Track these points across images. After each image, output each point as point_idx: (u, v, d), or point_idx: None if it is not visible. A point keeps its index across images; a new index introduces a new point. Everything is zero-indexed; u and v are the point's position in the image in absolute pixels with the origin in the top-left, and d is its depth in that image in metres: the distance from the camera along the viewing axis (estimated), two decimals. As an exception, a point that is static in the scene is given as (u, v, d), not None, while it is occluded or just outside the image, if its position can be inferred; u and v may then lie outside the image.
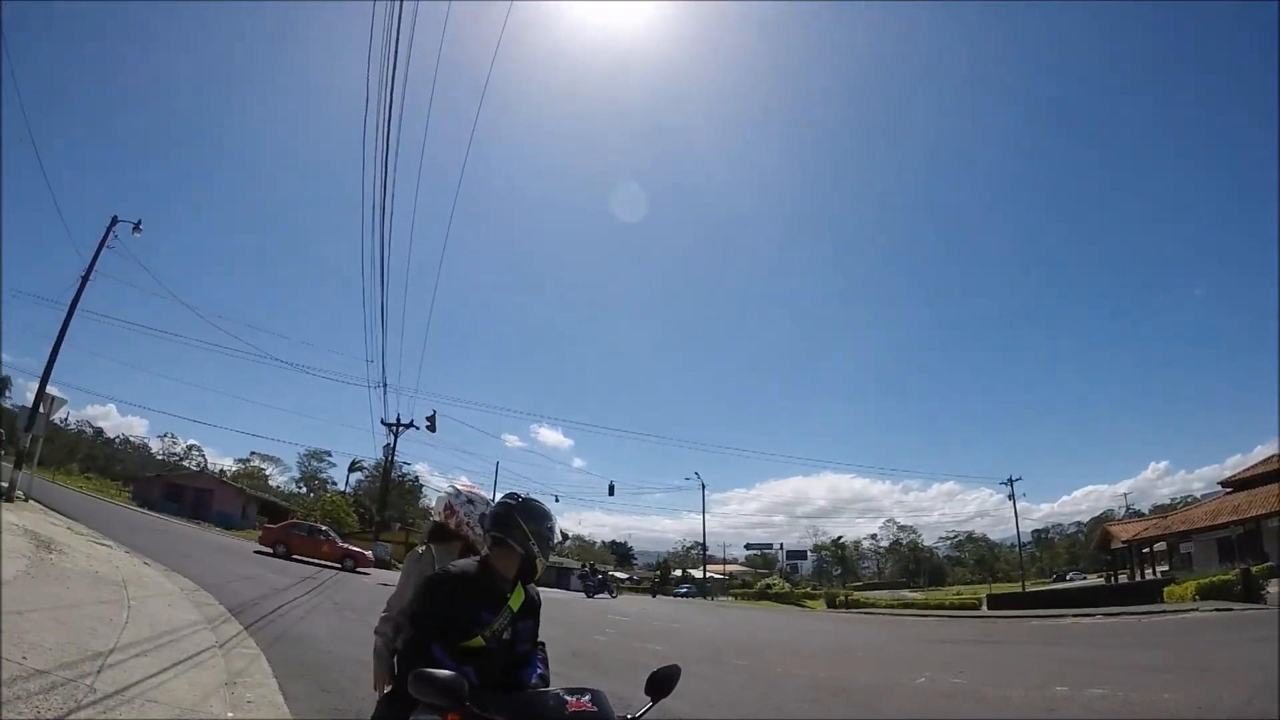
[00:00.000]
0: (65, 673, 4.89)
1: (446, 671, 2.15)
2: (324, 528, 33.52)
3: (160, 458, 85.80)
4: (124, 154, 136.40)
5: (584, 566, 55.80)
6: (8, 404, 68.38)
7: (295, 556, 28.38)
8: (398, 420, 43.07)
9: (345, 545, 30.92)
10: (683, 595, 58.45)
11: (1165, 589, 28.48)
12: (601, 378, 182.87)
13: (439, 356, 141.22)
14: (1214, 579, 25.99)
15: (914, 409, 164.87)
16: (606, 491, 59.36)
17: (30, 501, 17.52)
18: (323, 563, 28.24)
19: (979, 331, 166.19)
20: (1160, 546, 45.33)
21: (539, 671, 2.91)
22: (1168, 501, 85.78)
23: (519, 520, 2.88)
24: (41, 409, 19.90)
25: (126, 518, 26.91)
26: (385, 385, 42.88)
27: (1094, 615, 24.67)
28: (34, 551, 9.43)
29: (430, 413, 39.94)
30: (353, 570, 28.05)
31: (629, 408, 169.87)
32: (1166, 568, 42.09)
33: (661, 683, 2.51)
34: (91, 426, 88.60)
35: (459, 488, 3.71)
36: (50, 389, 20.84)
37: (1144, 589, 31.68)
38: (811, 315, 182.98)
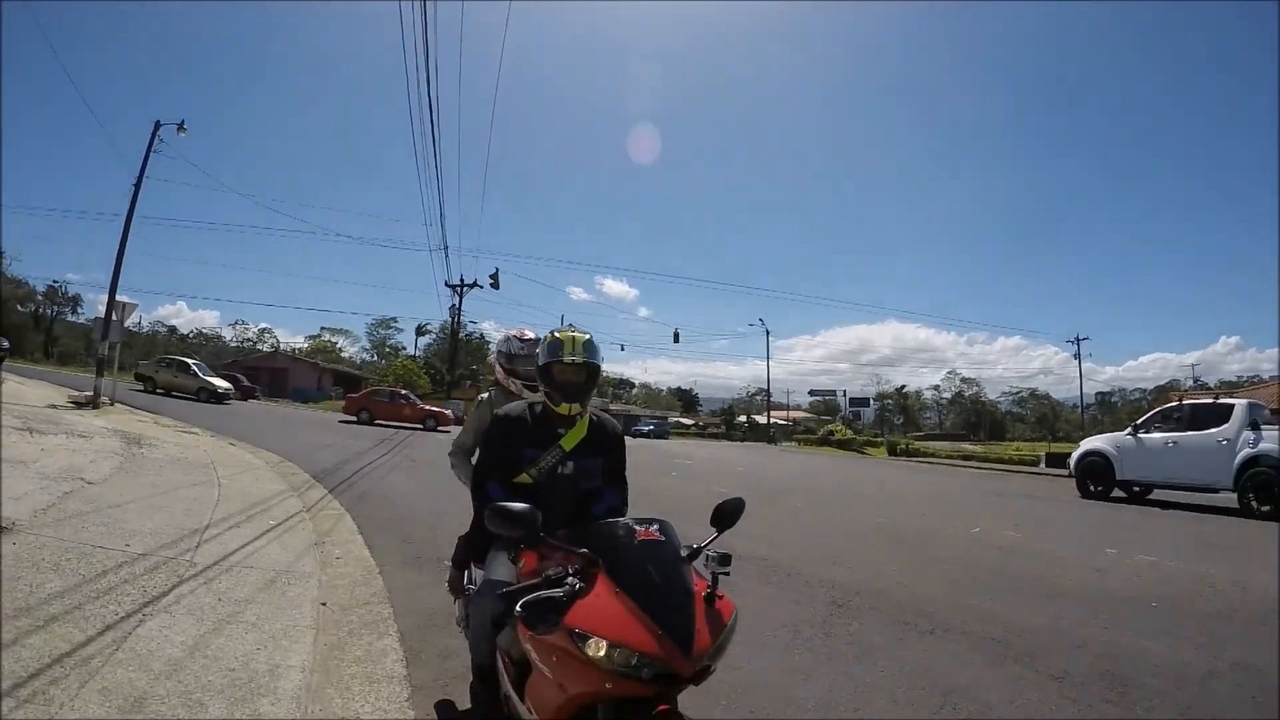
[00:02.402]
0: (166, 552, 5.30)
1: (521, 504, 2.29)
2: (404, 391, 34.90)
3: (234, 345, 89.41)
4: (156, 50, 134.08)
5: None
6: (82, 319, 71.56)
7: (378, 421, 29.73)
8: (461, 281, 43.74)
9: (425, 407, 32.22)
10: (645, 435, 53.85)
11: None
12: (667, 224, 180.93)
13: (499, 213, 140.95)
14: (1274, 464, 25.01)
15: (984, 259, 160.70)
16: (671, 339, 59.83)
17: (115, 404, 18.52)
18: (406, 425, 29.54)
19: (1058, 186, 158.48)
20: None
21: (609, 504, 3.02)
22: (1235, 379, 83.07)
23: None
24: (114, 317, 20.60)
25: (208, 406, 28.34)
26: (446, 248, 43.33)
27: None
28: (125, 448, 10.05)
29: (493, 270, 40.16)
30: (434, 429, 29.33)
31: (695, 254, 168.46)
32: None
33: (726, 515, 2.61)
34: (165, 325, 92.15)
35: (502, 337, 3.93)
36: (120, 297, 21.46)
37: None
38: (884, 162, 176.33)
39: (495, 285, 40.92)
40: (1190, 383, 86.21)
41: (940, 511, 13.11)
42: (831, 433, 57.76)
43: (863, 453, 47.78)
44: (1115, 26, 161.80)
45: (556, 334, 2.99)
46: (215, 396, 31.66)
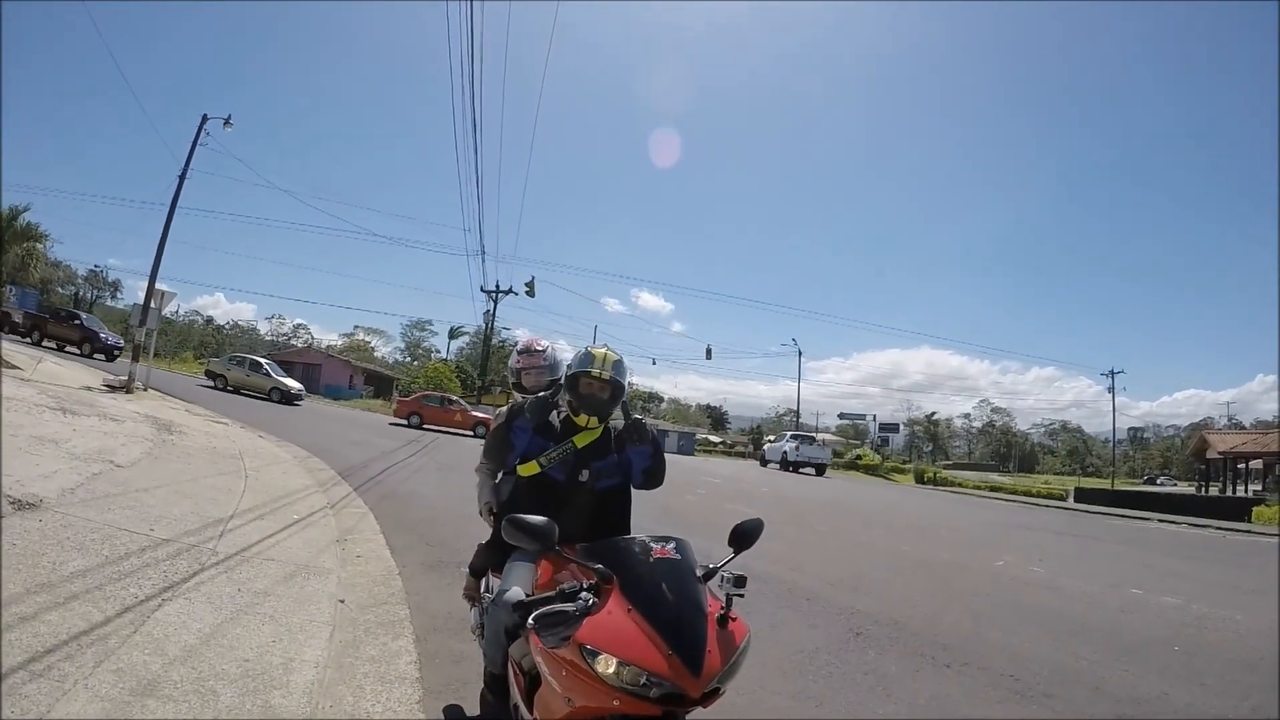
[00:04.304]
0: (189, 539, 5.33)
1: (538, 517, 2.29)
2: (455, 398, 34.97)
3: (269, 338, 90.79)
4: (207, 50, 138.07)
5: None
6: (121, 304, 73.26)
7: (428, 426, 29.65)
8: (496, 287, 44.25)
9: (476, 414, 32.12)
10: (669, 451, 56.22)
11: (1254, 509, 27.11)
12: (704, 241, 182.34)
13: (538, 221, 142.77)
14: (1304, 506, 24.30)
15: (1021, 288, 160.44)
16: (704, 355, 59.73)
17: (149, 390, 18.79)
18: (456, 431, 29.77)
19: (1097, 217, 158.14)
20: (1257, 464, 43.45)
21: (641, 466, 3.08)
22: (1270, 418, 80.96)
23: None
24: (152, 304, 20.96)
25: (240, 397, 28.62)
26: (484, 253, 43.82)
27: (1179, 524, 23.82)
28: (155, 434, 10.16)
29: (529, 278, 40.44)
30: (483, 437, 29.14)
31: (731, 271, 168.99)
32: (1260, 487, 40.60)
33: (744, 536, 2.59)
34: (201, 315, 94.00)
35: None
36: (160, 285, 21.84)
37: (1233, 505, 30.36)
38: (922, 186, 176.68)
39: (530, 293, 41.19)
40: (1224, 421, 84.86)
41: (965, 542, 12.92)
42: (859, 457, 57.01)
43: (889, 479, 47.19)
44: (1169, 49, 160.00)
45: (590, 349, 3.07)
46: (288, 398, 31.27)
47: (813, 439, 40.35)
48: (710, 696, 2.05)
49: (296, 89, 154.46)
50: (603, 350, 3.07)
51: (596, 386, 3.00)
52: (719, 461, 43.88)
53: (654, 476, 3.10)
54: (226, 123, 24.42)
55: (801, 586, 7.18)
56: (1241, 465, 45.26)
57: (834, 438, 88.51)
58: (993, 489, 42.05)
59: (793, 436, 39.56)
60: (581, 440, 3.02)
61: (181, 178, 23.61)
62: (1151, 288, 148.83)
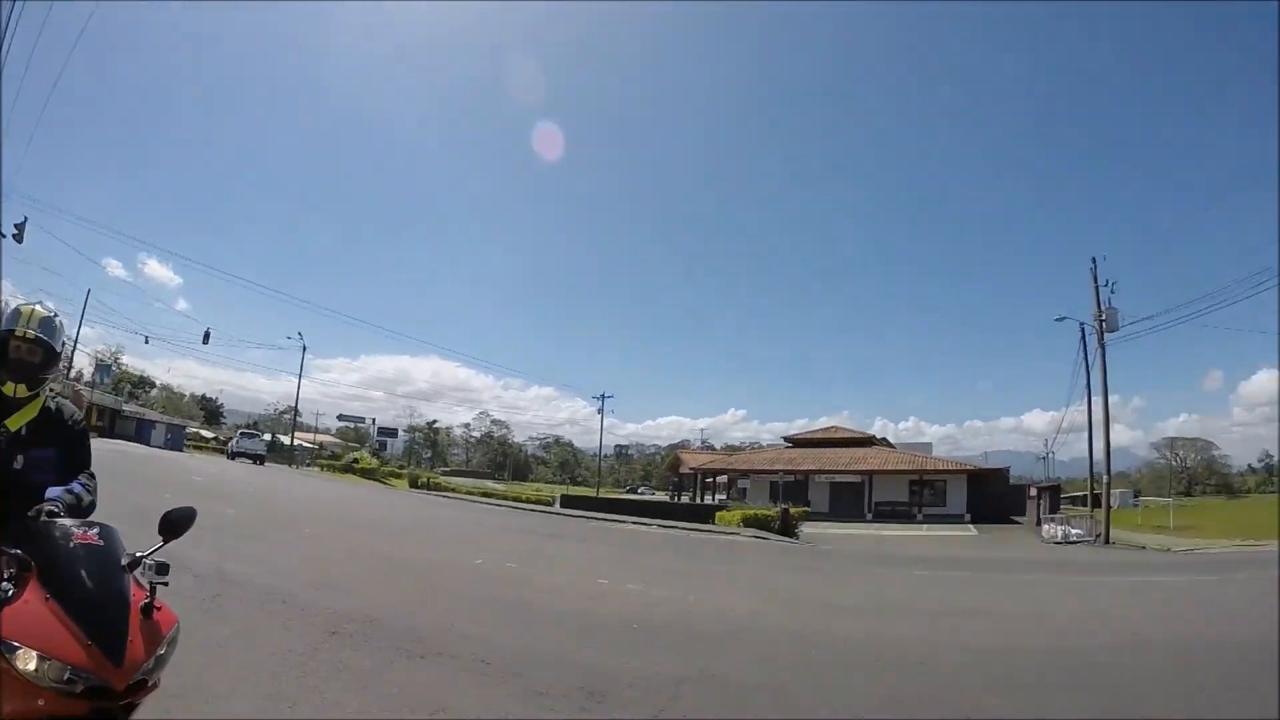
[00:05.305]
0: None
1: None
2: None
3: None
4: None
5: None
6: None
7: None
8: (-25, 225, 33.92)
9: None
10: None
11: (717, 513, 33.27)
12: (222, 216, 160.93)
13: (46, 145, 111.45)
14: (758, 512, 31.49)
15: (538, 314, 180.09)
16: (202, 339, 51.34)
17: None
18: None
19: (610, 256, 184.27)
20: (724, 478, 55.98)
21: (54, 507, 2.47)
22: (738, 443, 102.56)
23: None
24: None
25: None
26: None
27: (650, 525, 28.33)
28: None
29: (21, 219, 31.70)
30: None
31: (246, 256, 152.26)
32: (725, 496, 51.29)
33: (173, 524, 2.51)
34: None
35: None
36: None
37: (701, 510, 37.29)
38: (434, 210, 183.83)
39: (19, 239, 32.69)
40: (699, 443, 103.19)
41: (449, 543, 13.75)
42: (356, 460, 56.08)
43: (385, 483, 47.39)
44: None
45: (20, 306, 2.75)
46: None
47: (254, 435, 54.14)
48: (139, 689, 2.02)
49: None
50: (30, 307, 2.72)
51: (25, 349, 2.64)
52: (208, 458, 40.37)
53: (82, 467, 2.78)
54: None
55: (279, 589, 7.10)
56: (709, 479, 57.74)
57: (333, 439, 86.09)
58: (486, 495, 44.32)
59: (241, 433, 55.20)
60: (15, 422, 2.62)
61: None
62: (643, 328, 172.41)
